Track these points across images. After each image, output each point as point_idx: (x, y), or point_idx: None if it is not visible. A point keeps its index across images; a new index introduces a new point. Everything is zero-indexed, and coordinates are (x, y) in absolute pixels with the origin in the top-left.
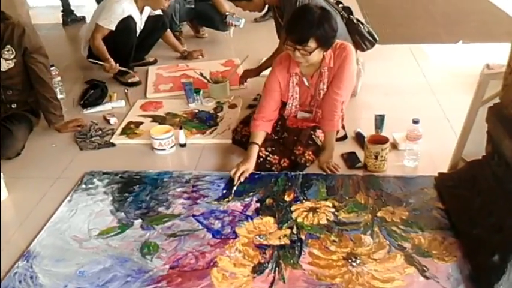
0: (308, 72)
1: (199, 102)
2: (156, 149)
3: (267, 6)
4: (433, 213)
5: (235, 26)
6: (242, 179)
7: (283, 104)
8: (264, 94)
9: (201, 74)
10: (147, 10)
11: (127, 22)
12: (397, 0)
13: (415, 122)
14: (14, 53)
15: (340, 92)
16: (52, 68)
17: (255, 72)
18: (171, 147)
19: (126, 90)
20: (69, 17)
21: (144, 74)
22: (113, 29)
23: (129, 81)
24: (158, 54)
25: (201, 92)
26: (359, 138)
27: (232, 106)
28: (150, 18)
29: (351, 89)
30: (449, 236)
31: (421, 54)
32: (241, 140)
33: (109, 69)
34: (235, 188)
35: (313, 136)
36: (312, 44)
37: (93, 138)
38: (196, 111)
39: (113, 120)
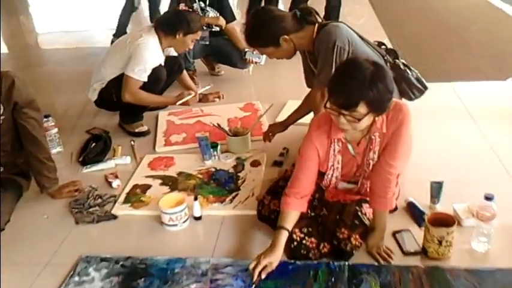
0: (354, 138)
1: (217, 158)
2: (166, 224)
3: None
4: None
5: (256, 63)
6: (263, 276)
7: (321, 173)
8: (298, 164)
9: (219, 126)
10: (166, 51)
11: (158, 72)
12: (427, 28)
13: (488, 198)
14: (2, 108)
15: (396, 164)
16: (48, 119)
17: (282, 126)
18: (184, 221)
19: (132, 143)
20: None
21: (153, 120)
22: (146, 80)
23: (136, 130)
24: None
25: (219, 147)
26: (412, 210)
27: (255, 163)
28: (166, 59)
29: (408, 158)
30: None
31: (466, 94)
32: (269, 216)
33: (194, 100)
34: (253, 286)
35: (359, 214)
36: (361, 109)
37: (91, 209)
38: (213, 170)
39: (115, 183)
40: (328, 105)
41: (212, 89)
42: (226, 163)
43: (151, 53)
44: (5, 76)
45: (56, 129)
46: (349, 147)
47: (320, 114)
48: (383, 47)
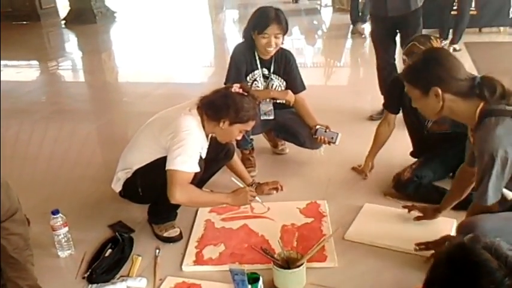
0: None
1: None
2: None
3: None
4: None
5: (329, 143)
6: None
7: None
8: None
9: (264, 251)
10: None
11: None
12: None
13: None
14: None
15: None
16: (56, 216)
17: (435, 213)
18: None
19: (157, 252)
20: None
21: (190, 217)
22: (198, 169)
23: (165, 235)
24: (216, 183)
25: (260, 282)
26: None
27: None
28: (211, 142)
29: None
30: None
31: None
32: None
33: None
34: None
35: None
36: None
37: None
38: None
39: None
40: None
41: (270, 174)
42: None
43: (193, 140)
44: None
45: (65, 229)
46: None
47: None
48: None
